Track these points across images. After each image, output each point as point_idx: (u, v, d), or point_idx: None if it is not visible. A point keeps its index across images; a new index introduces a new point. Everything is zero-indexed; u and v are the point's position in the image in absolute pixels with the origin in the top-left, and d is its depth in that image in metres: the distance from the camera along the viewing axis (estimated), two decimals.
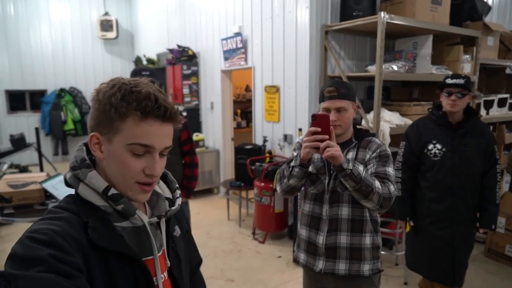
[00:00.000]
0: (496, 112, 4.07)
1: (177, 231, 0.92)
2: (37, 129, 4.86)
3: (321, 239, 1.60)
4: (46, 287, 0.61)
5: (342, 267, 1.58)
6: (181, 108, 5.52)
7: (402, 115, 3.38)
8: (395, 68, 3.30)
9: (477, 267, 3.31)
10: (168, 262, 0.86)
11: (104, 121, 0.75)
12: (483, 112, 3.92)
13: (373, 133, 1.76)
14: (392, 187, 1.50)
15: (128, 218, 0.79)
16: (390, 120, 3.20)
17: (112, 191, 0.77)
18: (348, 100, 1.57)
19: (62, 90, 7.80)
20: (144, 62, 7.77)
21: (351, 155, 1.60)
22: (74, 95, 7.90)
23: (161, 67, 6.73)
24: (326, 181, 1.60)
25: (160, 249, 0.85)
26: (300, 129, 3.75)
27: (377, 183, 1.46)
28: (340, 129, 1.58)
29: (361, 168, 1.45)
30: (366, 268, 1.58)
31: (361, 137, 1.64)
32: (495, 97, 4.02)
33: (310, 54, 3.71)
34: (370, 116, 3.27)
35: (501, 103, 4.10)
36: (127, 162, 0.75)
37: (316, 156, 1.62)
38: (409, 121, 3.20)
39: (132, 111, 0.73)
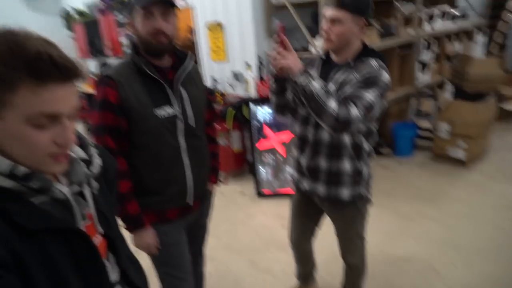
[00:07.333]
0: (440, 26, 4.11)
1: (95, 187, 0.81)
2: None
3: (304, 161, 1.56)
4: None
5: (321, 189, 1.55)
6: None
7: None
8: None
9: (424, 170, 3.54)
10: (100, 229, 0.79)
11: None
12: (427, 27, 3.93)
13: (380, 54, 1.43)
14: (354, 110, 1.26)
15: (44, 192, 0.68)
16: None
17: (22, 170, 0.64)
18: (347, 11, 1.31)
19: None
20: (76, 16, 7.04)
21: (340, 76, 1.40)
22: None
23: (94, 20, 6.14)
24: None
25: (85, 217, 0.76)
26: (249, 65, 3.60)
27: (332, 103, 1.25)
28: (331, 44, 1.38)
29: (316, 84, 1.26)
30: (345, 192, 1.52)
31: (361, 57, 1.40)
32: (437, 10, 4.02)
33: None
34: (319, 41, 3.19)
35: (443, 15, 4.12)
36: (31, 137, 0.62)
37: None
38: None
39: (23, 78, 0.59)
